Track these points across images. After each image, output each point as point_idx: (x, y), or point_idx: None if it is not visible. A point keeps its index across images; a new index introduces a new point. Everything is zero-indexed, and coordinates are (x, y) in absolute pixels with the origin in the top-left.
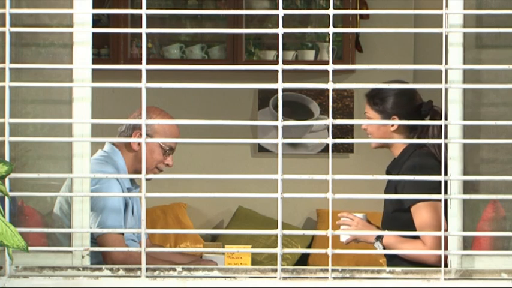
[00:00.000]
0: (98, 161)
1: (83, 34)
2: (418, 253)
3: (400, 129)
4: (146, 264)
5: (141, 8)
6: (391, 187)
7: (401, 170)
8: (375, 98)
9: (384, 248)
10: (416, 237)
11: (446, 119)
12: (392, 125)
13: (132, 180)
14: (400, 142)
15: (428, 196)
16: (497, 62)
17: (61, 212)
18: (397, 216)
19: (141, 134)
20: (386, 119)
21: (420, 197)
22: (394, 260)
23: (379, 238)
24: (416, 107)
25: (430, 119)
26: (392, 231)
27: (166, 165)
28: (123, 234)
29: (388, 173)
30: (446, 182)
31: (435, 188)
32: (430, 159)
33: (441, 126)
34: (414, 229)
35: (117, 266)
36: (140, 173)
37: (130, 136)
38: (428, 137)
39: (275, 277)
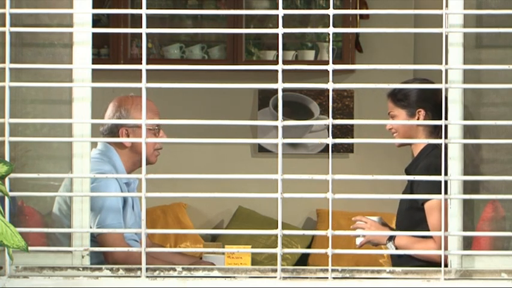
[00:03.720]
0: (95, 159)
1: (83, 34)
2: (418, 253)
3: (424, 125)
4: (147, 263)
5: (141, 8)
6: (408, 186)
7: (416, 169)
8: (398, 95)
9: (397, 249)
10: (429, 237)
11: (446, 119)
12: (418, 119)
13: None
14: (400, 142)
15: (428, 196)
16: (497, 62)
17: (60, 213)
18: (411, 214)
19: (126, 130)
20: (412, 114)
21: (420, 197)
22: (402, 260)
23: (391, 239)
24: (441, 101)
25: None
26: (396, 232)
27: None
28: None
29: (407, 172)
30: (446, 182)
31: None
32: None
33: None
34: (427, 227)
35: (117, 266)
36: (139, 163)
37: (115, 134)
38: None
39: (275, 277)
